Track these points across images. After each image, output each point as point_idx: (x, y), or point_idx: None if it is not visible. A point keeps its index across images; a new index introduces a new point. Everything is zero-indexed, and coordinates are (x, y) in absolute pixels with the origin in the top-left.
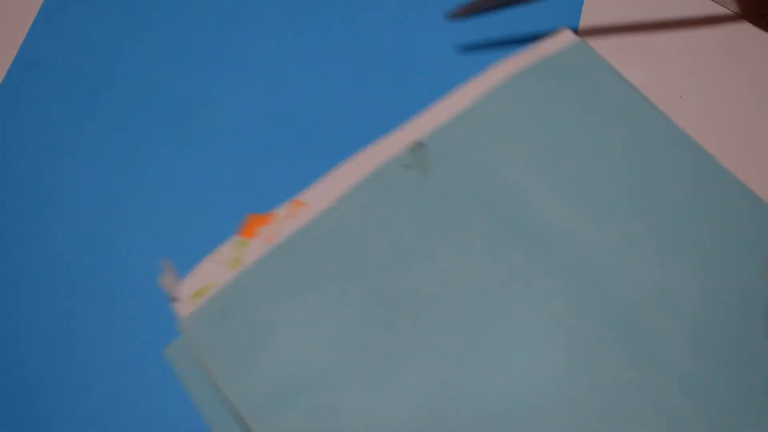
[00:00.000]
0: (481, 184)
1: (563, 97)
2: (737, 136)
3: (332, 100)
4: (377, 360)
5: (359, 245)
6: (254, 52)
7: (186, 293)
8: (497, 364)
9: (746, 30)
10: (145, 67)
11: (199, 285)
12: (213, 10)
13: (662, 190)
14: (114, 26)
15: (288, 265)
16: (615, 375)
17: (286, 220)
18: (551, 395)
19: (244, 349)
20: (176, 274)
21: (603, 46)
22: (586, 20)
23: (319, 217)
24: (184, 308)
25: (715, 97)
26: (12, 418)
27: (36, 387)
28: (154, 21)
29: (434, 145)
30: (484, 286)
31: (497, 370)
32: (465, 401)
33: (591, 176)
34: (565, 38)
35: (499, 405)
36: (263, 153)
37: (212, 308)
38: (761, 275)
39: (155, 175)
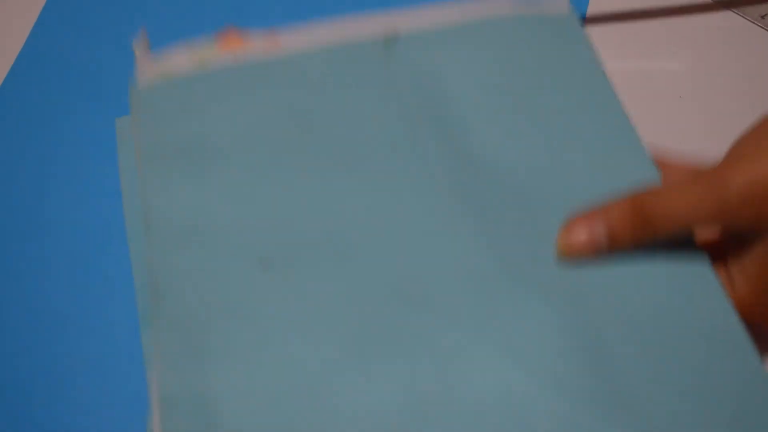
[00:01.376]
0: (433, 102)
1: (536, 60)
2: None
3: None
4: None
5: (309, 112)
6: None
7: (150, 70)
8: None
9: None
10: None
11: (163, 68)
12: (218, 3)
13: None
14: (120, 21)
15: (239, 82)
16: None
17: (258, 48)
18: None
19: (169, 122)
20: (149, 50)
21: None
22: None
23: (283, 60)
24: (143, 81)
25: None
26: None
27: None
28: (158, 18)
29: (406, 44)
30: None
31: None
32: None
33: (533, 130)
34: (563, 6)
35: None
36: None
37: (163, 85)
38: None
39: None
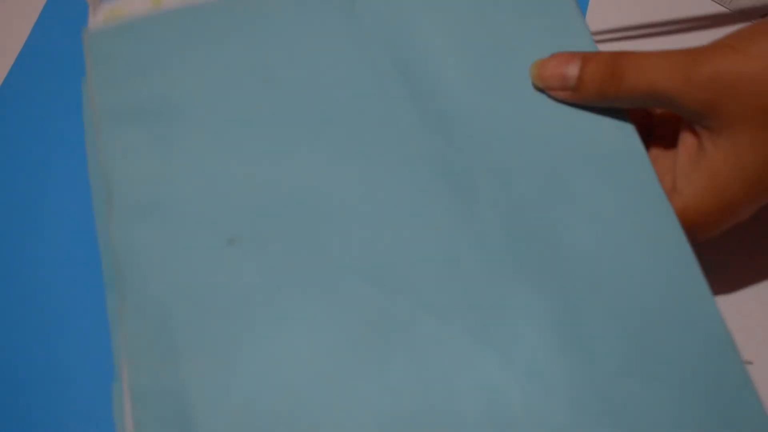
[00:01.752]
0: (404, 59)
1: (509, 9)
2: None
3: None
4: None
5: (275, 69)
6: None
7: (103, 12)
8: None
9: None
10: None
11: (115, 8)
12: None
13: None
14: None
15: (199, 27)
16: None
17: None
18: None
19: (127, 77)
20: None
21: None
22: (590, 21)
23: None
24: (94, 24)
25: None
26: None
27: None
28: None
29: None
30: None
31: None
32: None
33: (503, 72)
34: None
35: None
36: None
37: (118, 30)
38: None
39: None
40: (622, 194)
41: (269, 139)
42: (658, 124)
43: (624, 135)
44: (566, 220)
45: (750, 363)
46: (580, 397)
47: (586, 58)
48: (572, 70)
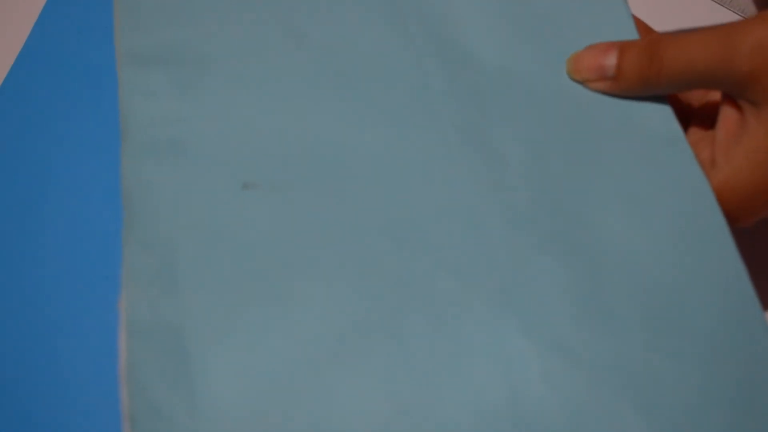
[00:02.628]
0: (438, 27)
1: None
2: None
3: None
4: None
5: (305, 29)
6: None
7: None
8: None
9: None
10: None
11: None
12: None
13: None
14: None
15: None
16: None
17: None
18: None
19: (153, 24)
20: None
21: None
22: None
23: None
24: None
25: None
26: None
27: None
28: None
29: None
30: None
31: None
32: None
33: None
34: None
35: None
36: None
37: None
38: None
39: None
40: (657, 175)
41: (295, 92)
42: (696, 112)
43: (661, 116)
44: (597, 196)
45: None
46: (602, 371)
47: (623, 46)
48: (610, 60)
